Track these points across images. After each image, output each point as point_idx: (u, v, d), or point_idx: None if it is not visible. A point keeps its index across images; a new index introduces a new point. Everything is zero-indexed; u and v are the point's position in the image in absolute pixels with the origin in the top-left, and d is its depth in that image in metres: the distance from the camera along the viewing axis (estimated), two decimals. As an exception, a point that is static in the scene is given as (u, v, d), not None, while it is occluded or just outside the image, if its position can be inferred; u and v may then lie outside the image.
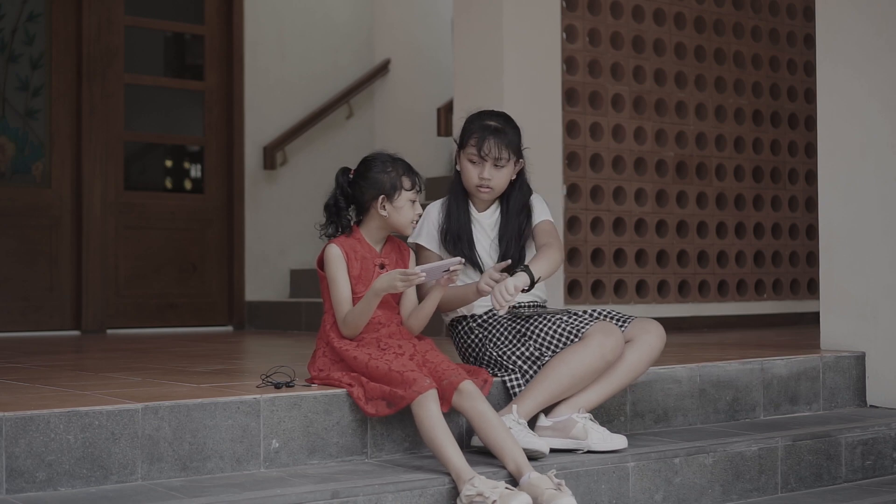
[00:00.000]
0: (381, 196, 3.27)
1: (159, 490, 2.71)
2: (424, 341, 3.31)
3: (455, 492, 2.90)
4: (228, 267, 7.57)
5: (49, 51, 7.06)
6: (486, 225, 3.59)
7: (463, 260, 3.23)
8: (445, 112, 7.37)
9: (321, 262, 3.32)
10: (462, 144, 3.58)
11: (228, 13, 7.66)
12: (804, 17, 7.14)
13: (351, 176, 3.34)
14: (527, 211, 3.60)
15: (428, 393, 2.99)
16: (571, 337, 3.36)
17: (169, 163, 8.09)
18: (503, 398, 3.43)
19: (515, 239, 3.55)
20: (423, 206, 3.54)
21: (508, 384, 3.42)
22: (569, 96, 6.13)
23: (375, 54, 8.26)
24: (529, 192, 3.63)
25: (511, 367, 3.42)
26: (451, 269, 3.16)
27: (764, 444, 3.59)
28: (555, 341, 3.38)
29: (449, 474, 2.92)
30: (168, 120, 7.89)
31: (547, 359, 3.37)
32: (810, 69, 7.09)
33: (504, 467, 3.01)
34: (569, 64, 6.15)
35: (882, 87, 4.40)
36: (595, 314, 3.43)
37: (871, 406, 4.34)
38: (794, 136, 7.12)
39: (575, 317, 3.42)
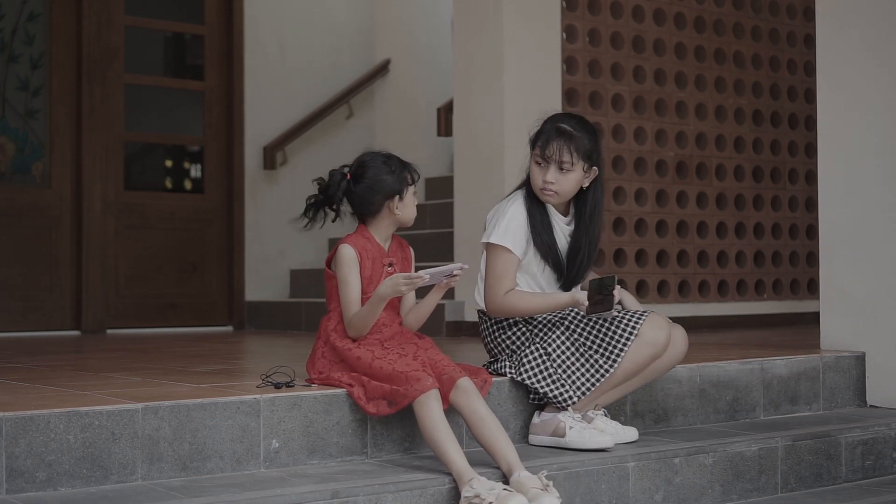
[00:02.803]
0: (396, 196, 3.27)
1: (159, 490, 2.71)
2: (424, 340, 3.31)
3: (455, 492, 2.89)
4: (228, 267, 7.57)
5: (49, 51, 7.06)
6: (565, 231, 3.54)
7: (466, 266, 3.22)
8: (445, 112, 7.36)
9: (330, 262, 3.31)
10: (532, 145, 3.53)
11: (228, 13, 7.66)
12: (804, 17, 7.15)
13: (349, 179, 3.31)
14: (597, 221, 3.55)
15: (430, 392, 2.99)
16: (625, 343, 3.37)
17: (169, 163, 8.09)
18: (503, 398, 3.43)
19: (588, 250, 3.52)
20: (419, 204, 3.47)
21: (552, 395, 3.38)
22: (569, 96, 6.14)
23: (375, 54, 8.26)
24: (602, 201, 3.57)
25: (564, 378, 3.39)
26: (454, 273, 3.16)
27: (764, 444, 3.59)
28: (615, 354, 3.37)
29: (450, 474, 2.92)
30: (168, 120, 7.89)
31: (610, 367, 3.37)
32: (810, 69, 7.09)
33: (498, 467, 3.01)
34: (569, 64, 6.15)
35: (882, 87, 4.40)
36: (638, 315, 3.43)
37: (871, 406, 4.34)
38: (794, 136, 7.12)
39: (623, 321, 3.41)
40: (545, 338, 3.44)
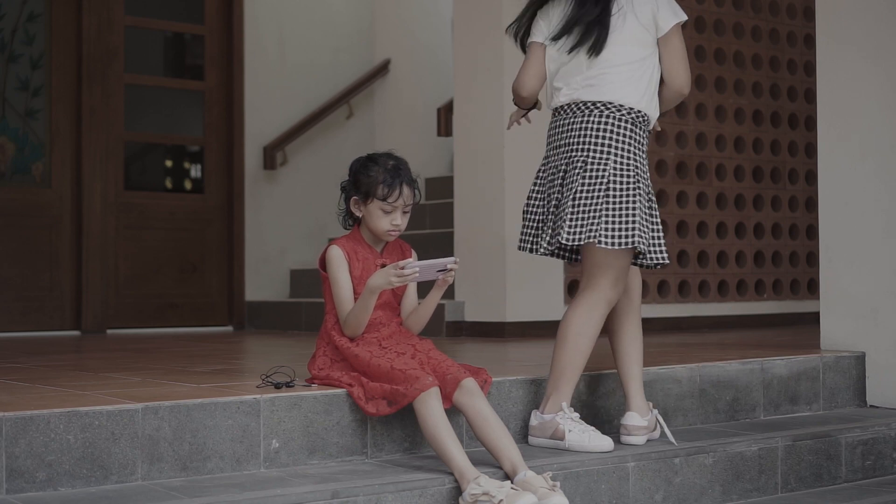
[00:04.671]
0: (355, 197, 3.27)
1: (159, 490, 2.71)
2: (424, 341, 3.31)
3: (456, 491, 2.89)
4: (228, 267, 7.57)
5: (49, 51, 7.06)
6: None
7: (458, 259, 3.20)
8: (445, 112, 7.36)
9: (323, 263, 3.31)
10: None
11: (228, 13, 7.66)
12: (804, 17, 7.15)
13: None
14: None
15: (431, 390, 2.99)
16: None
17: (169, 163, 8.09)
18: (503, 398, 3.42)
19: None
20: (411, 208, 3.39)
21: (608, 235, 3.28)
22: (569, 96, 6.13)
23: (375, 54, 8.26)
24: None
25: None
26: (448, 267, 3.15)
27: (764, 444, 3.59)
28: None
29: (450, 473, 2.92)
30: (168, 120, 7.89)
31: None
32: (810, 69, 7.09)
33: (500, 467, 3.00)
34: (569, 64, 6.14)
35: (881, 87, 4.40)
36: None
37: (871, 406, 4.34)
38: (794, 136, 7.12)
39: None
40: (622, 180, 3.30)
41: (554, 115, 3.50)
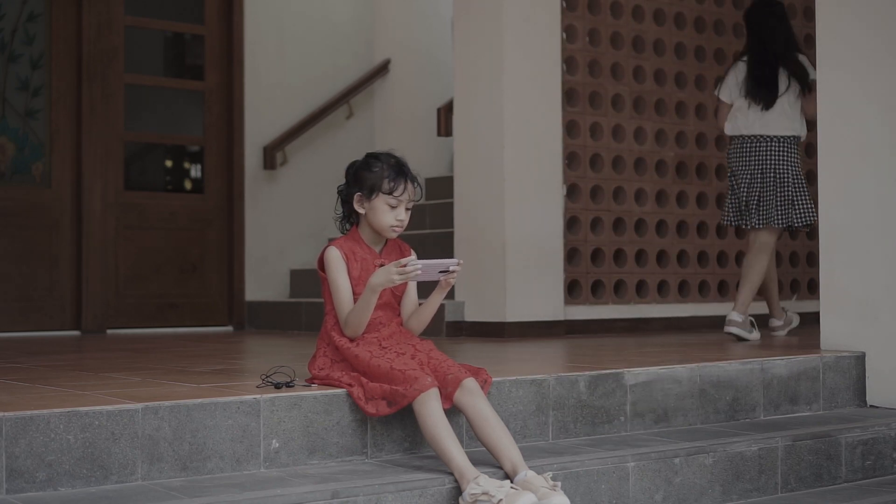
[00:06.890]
0: (358, 193, 3.27)
1: (159, 490, 2.71)
2: (425, 342, 3.30)
3: (456, 492, 2.89)
4: (228, 267, 7.57)
5: (49, 51, 7.06)
6: None
7: (461, 261, 3.20)
8: (445, 112, 7.36)
9: (321, 264, 3.31)
10: None
11: (228, 13, 7.67)
12: (804, 17, 7.14)
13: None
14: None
15: (430, 391, 2.98)
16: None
17: (169, 163, 8.09)
18: (503, 398, 3.42)
19: None
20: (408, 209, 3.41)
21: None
22: (569, 96, 6.14)
23: (375, 54, 8.26)
24: None
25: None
26: (450, 269, 3.15)
27: (764, 444, 3.59)
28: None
29: (451, 473, 2.92)
30: (168, 120, 7.89)
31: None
32: (810, 69, 7.08)
33: (501, 467, 3.00)
34: (569, 64, 6.15)
35: (881, 88, 4.40)
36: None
37: (871, 406, 4.34)
38: (794, 136, 7.11)
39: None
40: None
41: None
